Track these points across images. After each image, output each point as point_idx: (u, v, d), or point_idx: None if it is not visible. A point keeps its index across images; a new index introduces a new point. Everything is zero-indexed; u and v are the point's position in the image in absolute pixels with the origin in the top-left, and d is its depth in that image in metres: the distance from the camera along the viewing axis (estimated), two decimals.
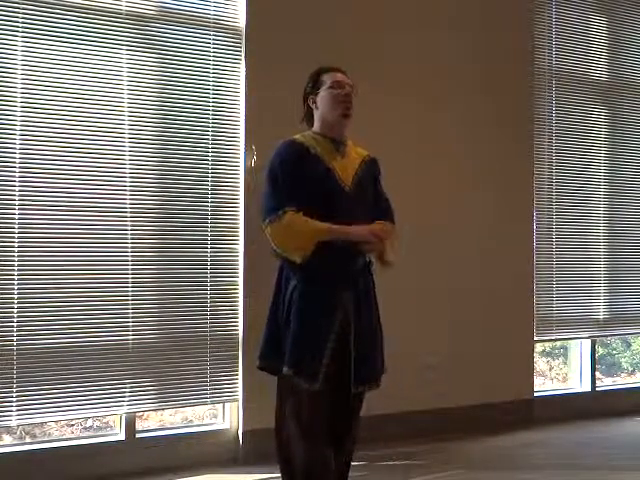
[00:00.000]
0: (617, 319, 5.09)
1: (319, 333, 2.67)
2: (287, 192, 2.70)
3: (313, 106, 2.86)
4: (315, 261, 2.67)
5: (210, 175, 3.78)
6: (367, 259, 2.85)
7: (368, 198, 2.88)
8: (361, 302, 2.77)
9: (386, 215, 2.96)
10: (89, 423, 3.90)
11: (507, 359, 4.55)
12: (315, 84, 2.86)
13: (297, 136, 2.84)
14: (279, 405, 2.76)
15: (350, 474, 2.94)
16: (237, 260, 3.83)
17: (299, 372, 2.65)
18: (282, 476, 2.78)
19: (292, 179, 2.71)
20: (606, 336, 5.28)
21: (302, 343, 2.66)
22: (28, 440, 3.66)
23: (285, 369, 2.67)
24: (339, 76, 2.85)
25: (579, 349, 5.09)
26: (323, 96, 2.83)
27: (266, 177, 2.77)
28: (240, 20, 3.87)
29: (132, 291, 3.58)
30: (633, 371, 5.77)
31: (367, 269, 2.85)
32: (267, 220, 2.70)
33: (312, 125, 2.89)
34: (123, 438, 3.62)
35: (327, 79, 2.84)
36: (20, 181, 3.35)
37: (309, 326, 2.67)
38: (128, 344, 3.56)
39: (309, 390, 2.64)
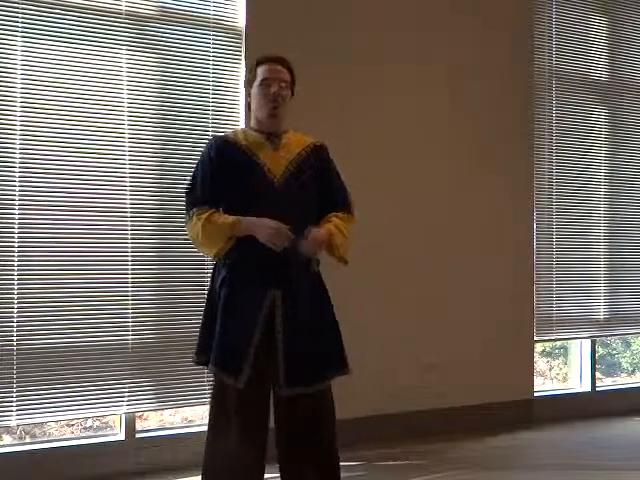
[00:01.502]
0: (617, 319, 5.09)
1: (243, 331, 2.62)
2: (200, 190, 2.69)
3: (249, 99, 2.84)
4: (242, 257, 2.64)
5: None
6: (303, 256, 2.70)
7: (306, 190, 2.75)
8: (297, 300, 2.66)
9: (337, 205, 2.84)
10: (89, 423, 3.90)
11: (507, 359, 4.55)
12: (251, 77, 2.82)
13: (228, 132, 2.84)
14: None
15: (350, 474, 2.93)
16: None
17: (223, 369, 2.63)
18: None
19: (208, 176, 2.70)
20: (606, 336, 5.28)
21: (226, 340, 2.63)
22: (28, 440, 3.66)
23: (210, 367, 2.66)
24: (271, 71, 2.77)
25: (579, 349, 5.09)
26: (254, 93, 2.79)
27: None
28: (240, 20, 3.87)
29: (132, 291, 3.57)
30: (633, 371, 5.76)
31: (309, 267, 2.74)
32: (185, 219, 2.74)
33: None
34: (123, 438, 3.62)
35: (260, 73, 2.77)
36: (20, 181, 3.35)
37: (233, 323, 2.63)
38: (128, 344, 3.56)
39: (233, 387, 2.61)
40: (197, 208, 2.67)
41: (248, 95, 2.84)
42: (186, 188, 2.78)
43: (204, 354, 2.72)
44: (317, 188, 2.79)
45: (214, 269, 2.78)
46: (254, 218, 2.62)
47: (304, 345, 2.66)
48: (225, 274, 2.68)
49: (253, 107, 2.81)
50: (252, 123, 2.85)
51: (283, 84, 2.77)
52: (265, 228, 2.59)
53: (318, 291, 2.76)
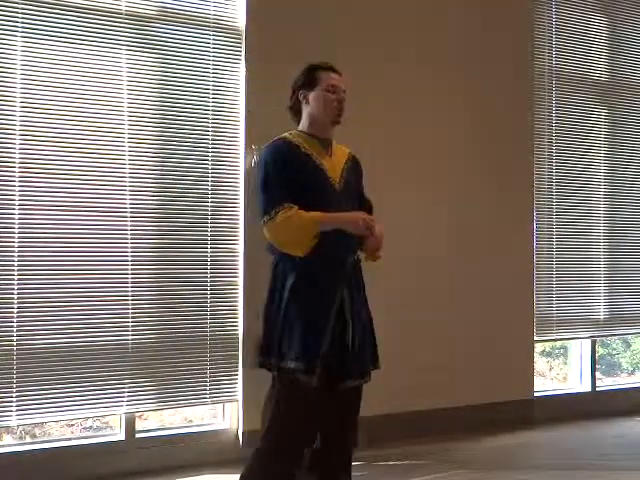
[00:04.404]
0: (617, 319, 5.09)
1: (318, 330, 2.68)
2: (279, 191, 2.71)
3: (303, 101, 2.85)
4: (312, 258, 2.69)
5: (210, 175, 3.78)
6: (356, 256, 2.88)
7: (354, 197, 2.91)
8: (354, 297, 2.79)
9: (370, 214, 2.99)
10: (89, 423, 3.90)
11: (507, 359, 4.55)
12: (310, 79, 2.84)
13: (286, 134, 2.85)
14: (268, 400, 2.76)
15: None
16: (237, 260, 3.83)
17: (299, 367, 2.65)
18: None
19: (283, 178, 2.72)
20: (606, 336, 5.28)
21: (303, 340, 2.67)
22: (28, 440, 3.66)
23: (288, 363, 2.67)
24: (336, 79, 2.85)
25: (579, 349, 5.09)
26: (317, 96, 2.82)
27: (259, 178, 2.79)
28: (240, 20, 3.87)
29: (132, 291, 3.57)
30: (633, 371, 5.77)
31: (358, 265, 2.88)
32: (263, 221, 2.74)
33: (298, 117, 2.90)
34: (123, 438, 3.62)
35: (324, 79, 2.83)
36: (20, 181, 3.35)
37: (309, 323, 2.68)
38: (128, 344, 3.56)
39: (308, 386, 2.65)
40: (280, 207, 2.68)
41: (304, 98, 2.85)
42: (262, 190, 2.76)
43: (274, 356, 2.73)
44: (357, 197, 2.97)
45: (275, 271, 2.79)
46: (341, 214, 2.75)
47: (363, 339, 2.81)
48: (296, 275, 2.71)
49: (313, 111, 2.84)
50: (305, 127, 2.87)
51: (345, 94, 2.87)
52: (355, 219, 2.75)
53: (363, 287, 2.90)
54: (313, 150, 2.81)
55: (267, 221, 2.71)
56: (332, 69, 2.88)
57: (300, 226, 2.67)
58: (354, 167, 2.97)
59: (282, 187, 2.72)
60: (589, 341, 5.03)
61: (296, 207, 2.68)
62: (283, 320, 2.72)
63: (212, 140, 3.79)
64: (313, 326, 2.69)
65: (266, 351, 2.77)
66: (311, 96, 2.83)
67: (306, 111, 2.86)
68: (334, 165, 2.84)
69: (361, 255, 2.94)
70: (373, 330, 2.92)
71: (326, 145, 2.86)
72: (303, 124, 2.88)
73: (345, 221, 2.75)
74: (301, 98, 2.86)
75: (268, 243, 2.81)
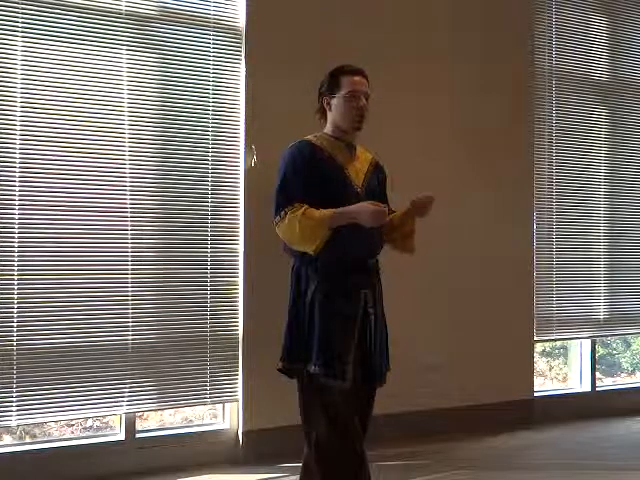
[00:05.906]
0: (617, 319, 5.08)
1: (345, 332, 2.69)
2: (293, 191, 2.70)
3: (327, 107, 2.85)
4: (335, 261, 2.69)
5: (210, 175, 3.78)
6: (376, 258, 2.91)
7: (377, 200, 2.87)
8: (376, 300, 2.82)
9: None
10: (89, 423, 3.90)
11: (507, 359, 4.55)
12: (332, 85, 2.82)
13: (310, 137, 2.84)
14: (303, 408, 2.74)
15: None
16: (237, 260, 3.83)
17: (329, 371, 2.64)
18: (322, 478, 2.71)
19: (300, 179, 2.71)
20: (606, 336, 5.28)
21: (330, 343, 2.66)
22: (28, 440, 3.66)
23: (314, 368, 2.65)
24: (357, 83, 2.80)
25: (579, 349, 5.09)
26: (338, 103, 2.81)
27: (278, 179, 2.78)
28: (240, 20, 3.87)
29: (132, 291, 3.58)
30: (633, 371, 5.76)
31: (377, 266, 2.90)
32: (274, 221, 2.73)
33: (324, 121, 2.90)
34: (123, 438, 3.62)
35: (345, 85, 2.79)
36: (20, 181, 3.35)
37: (336, 326, 2.68)
38: (128, 344, 3.56)
39: (339, 389, 2.64)
40: (289, 207, 2.68)
41: (327, 103, 2.84)
42: (277, 190, 2.75)
43: (293, 361, 2.72)
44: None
45: (298, 275, 2.77)
46: (349, 206, 2.69)
47: (384, 340, 2.89)
48: (319, 278, 2.71)
49: (335, 117, 2.83)
50: (330, 130, 2.87)
51: (367, 97, 2.83)
52: (366, 210, 2.66)
53: (381, 291, 2.92)
54: (337, 152, 2.81)
55: (278, 221, 2.71)
56: (355, 72, 2.83)
57: (308, 223, 2.65)
58: (377, 173, 2.97)
59: (297, 188, 2.71)
60: (589, 341, 5.03)
61: (306, 205, 2.67)
62: (307, 326, 2.70)
63: (212, 140, 3.79)
64: (339, 330, 2.68)
65: (289, 357, 2.74)
66: (333, 102, 2.82)
67: (329, 117, 2.86)
68: (357, 169, 2.85)
69: (396, 250, 3.02)
70: (387, 331, 2.95)
71: (350, 149, 2.86)
72: (327, 128, 2.88)
73: (356, 212, 2.66)
74: (325, 104, 2.85)
75: (283, 244, 2.80)
